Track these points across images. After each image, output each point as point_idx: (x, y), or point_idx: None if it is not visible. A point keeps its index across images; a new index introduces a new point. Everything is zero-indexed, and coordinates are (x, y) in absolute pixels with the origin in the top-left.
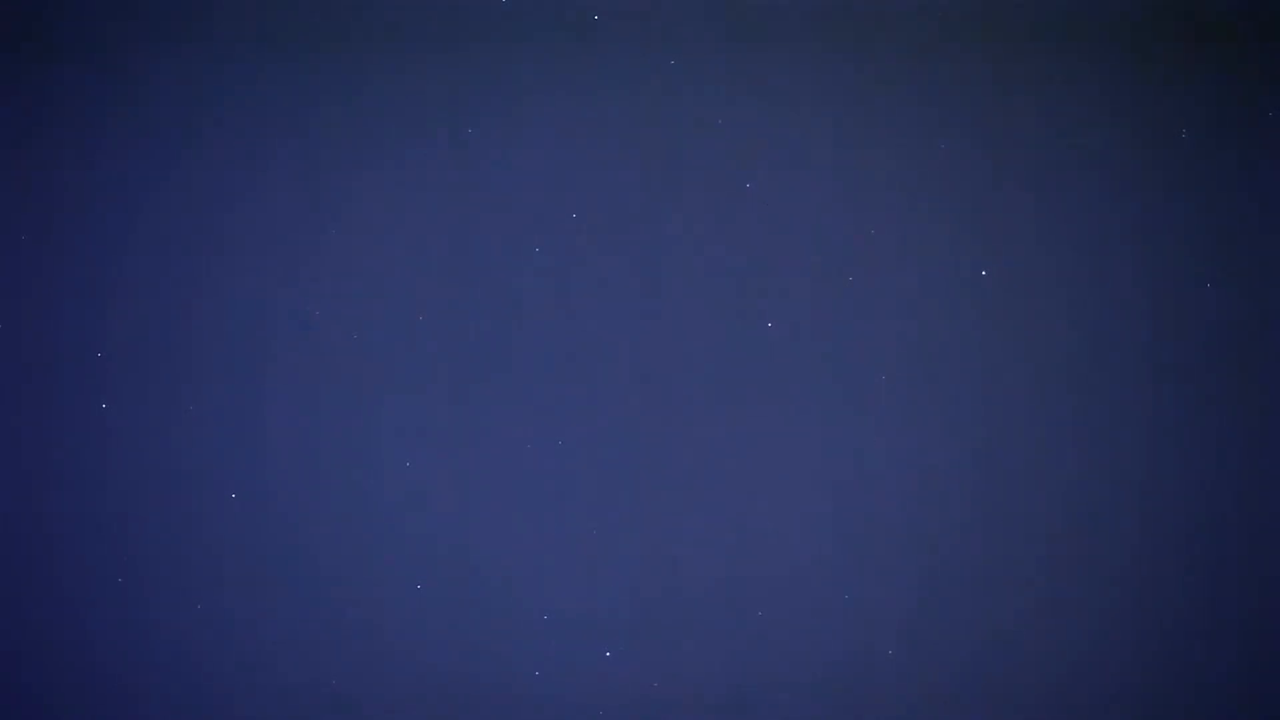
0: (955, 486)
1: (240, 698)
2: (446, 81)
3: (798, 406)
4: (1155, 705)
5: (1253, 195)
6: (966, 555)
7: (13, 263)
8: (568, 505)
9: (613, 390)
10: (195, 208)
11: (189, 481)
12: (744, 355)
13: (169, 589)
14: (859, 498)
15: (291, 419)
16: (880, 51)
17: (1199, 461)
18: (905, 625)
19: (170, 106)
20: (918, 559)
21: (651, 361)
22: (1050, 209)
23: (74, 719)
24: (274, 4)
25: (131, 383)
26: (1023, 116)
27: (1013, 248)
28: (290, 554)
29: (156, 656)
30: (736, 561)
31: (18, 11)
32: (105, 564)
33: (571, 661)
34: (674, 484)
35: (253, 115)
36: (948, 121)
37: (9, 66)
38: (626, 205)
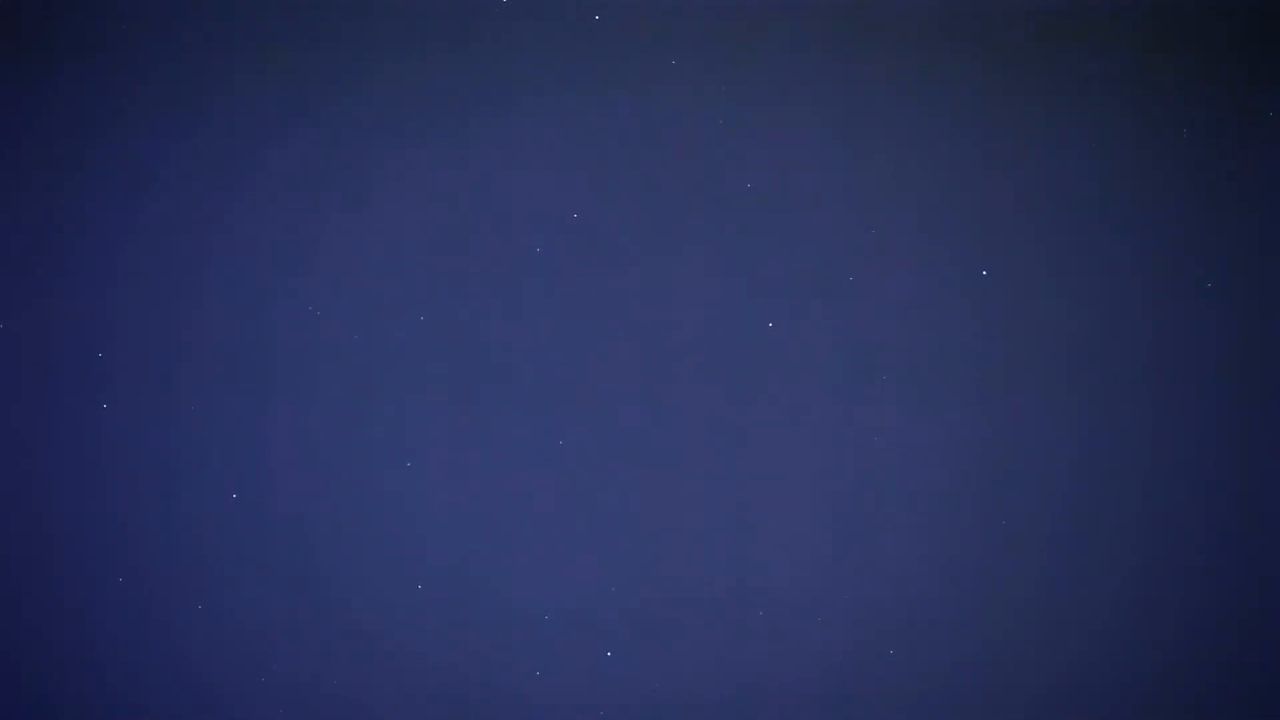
0: (956, 486)
1: (240, 698)
2: (447, 81)
3: (798, 407)
4: (1155, 705)
5: (1253, 195)
6: (967, 555)
7: (13, 263)
8: (568, 505)
9: (613, 390)
10: (195, 208)
11: (189, 481)
12: (744, 355)
13: (169, 589)
14: (859, 498)
15: (292, 419)
16: (880, 52)
17: (1200, 461)
18: (905, 625)
19: (169, 107)
20: (918, 559)
21: (652, 361)
22: (1050, 209)
23: (74, 719)
24: (273, 4)
25: (131, 383)
26: (1023, 117)
27: (1013, 248)
28: (290, 554)
29: (157, 656)
30: (737, 561)
31: (18, 11)
32: (105, 564)
33: (571, 661)
34: (674, 484)
35: (253, 115)
36: (948, 122)
37: (9, 66)
38: (627, 205)
